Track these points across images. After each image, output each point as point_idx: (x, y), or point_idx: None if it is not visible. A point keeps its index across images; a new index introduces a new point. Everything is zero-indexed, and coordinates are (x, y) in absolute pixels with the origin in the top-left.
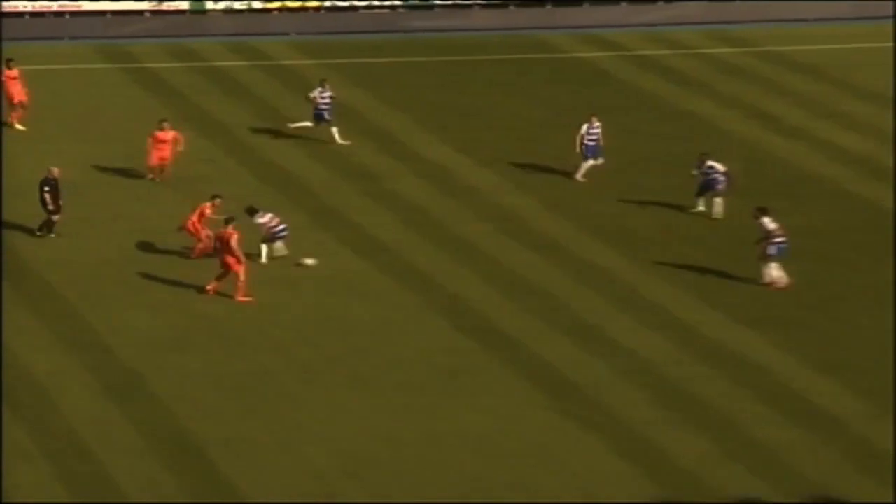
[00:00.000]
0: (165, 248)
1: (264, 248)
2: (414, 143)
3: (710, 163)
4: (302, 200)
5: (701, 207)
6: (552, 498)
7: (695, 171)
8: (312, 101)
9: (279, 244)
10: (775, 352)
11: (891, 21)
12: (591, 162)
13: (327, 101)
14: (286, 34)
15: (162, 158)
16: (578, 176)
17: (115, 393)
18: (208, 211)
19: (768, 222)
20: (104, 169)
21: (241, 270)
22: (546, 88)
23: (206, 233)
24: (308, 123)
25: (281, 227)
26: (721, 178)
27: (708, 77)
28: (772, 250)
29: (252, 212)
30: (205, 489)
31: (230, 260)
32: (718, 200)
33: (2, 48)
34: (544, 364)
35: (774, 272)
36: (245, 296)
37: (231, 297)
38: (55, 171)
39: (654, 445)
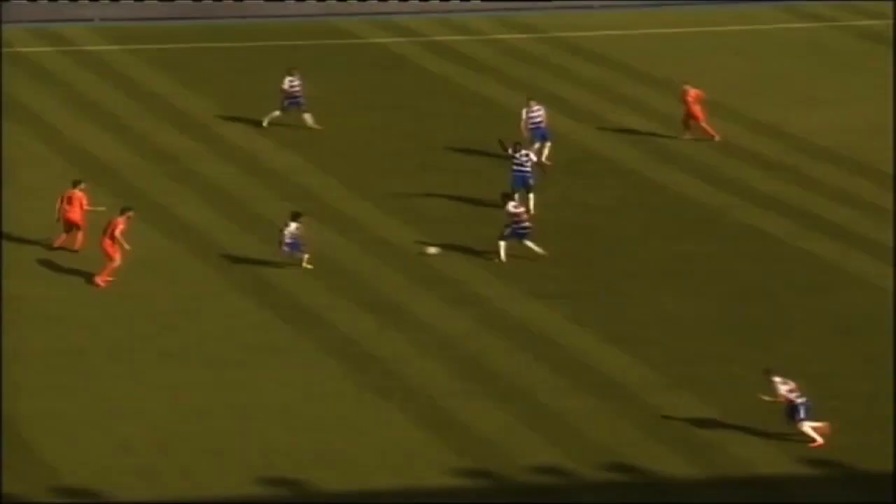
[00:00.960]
0: None
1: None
2: (215, 126)
3: (524, 151)
4: (109, 183)
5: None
6: (355, 467)
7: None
8: (284, 91)
9: None
10: (569, 325)
11: (669, 7)
12: (542, 144)
13: (297, 88)
14: (90, 20)
15: None
16: (543, 159)
17: None
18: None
19: (512, 207)
20: None
21: (117, 258)
22: (343, 73)
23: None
24: (277, 113)
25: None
26: (529, 171)
27: (499, 62)
28: (509, 232)
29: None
30: (17, 462)
31: (108, 245)
32: (531, 196)
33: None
34: (347, 339)
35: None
36: (105, 281)
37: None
38: None
39: (454, 416)
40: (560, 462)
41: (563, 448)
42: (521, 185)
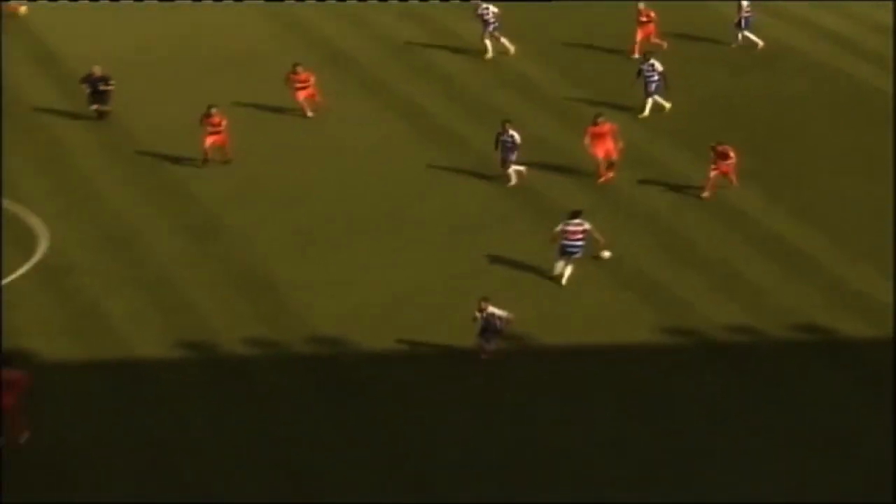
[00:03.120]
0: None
1: None
2: None
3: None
4: None
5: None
6: (568, 326)
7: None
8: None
9: None
10: (760, 202)
11: None
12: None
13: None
14: None
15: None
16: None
17: (196, 234)
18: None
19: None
20: None
21: None
22: None
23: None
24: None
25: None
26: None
27: None
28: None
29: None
30: (278, 315)
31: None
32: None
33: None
34: (564, 211)
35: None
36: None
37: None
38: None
39: (656, 280)
40: (750, 322)
41: (753, 310)
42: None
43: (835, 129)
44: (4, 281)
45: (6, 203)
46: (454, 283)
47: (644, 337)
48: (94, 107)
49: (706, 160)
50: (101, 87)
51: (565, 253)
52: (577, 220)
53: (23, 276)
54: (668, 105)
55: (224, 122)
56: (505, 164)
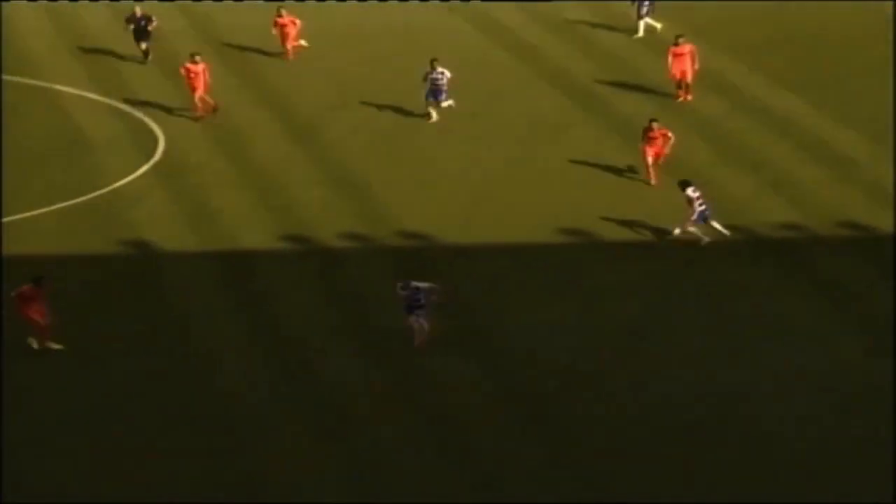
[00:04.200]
0: None
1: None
2: None
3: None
4: None
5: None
6: (629, 219)
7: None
8: None
9: None
10: (808, 109)
11: None
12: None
13: None
14: None
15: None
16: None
17: (296, 138)
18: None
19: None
20: None
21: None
22: None
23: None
24: None
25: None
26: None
27: None
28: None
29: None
30: (366, 210)
31: None
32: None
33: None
34: (627, 121)
35: None
36: None
37: None
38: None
39: (710, 179)
40: (798, 220)
41: (801, 209)
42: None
43: (876, 42)
44: (127, 179)
45: (129, 108)
46: (531, 183)
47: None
48: (142, 45)
49: (755, 70)
50: (145, 26)
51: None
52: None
53: (143, 175)
54: (659, 26)
55: (296, 21)
56: (433, 101)
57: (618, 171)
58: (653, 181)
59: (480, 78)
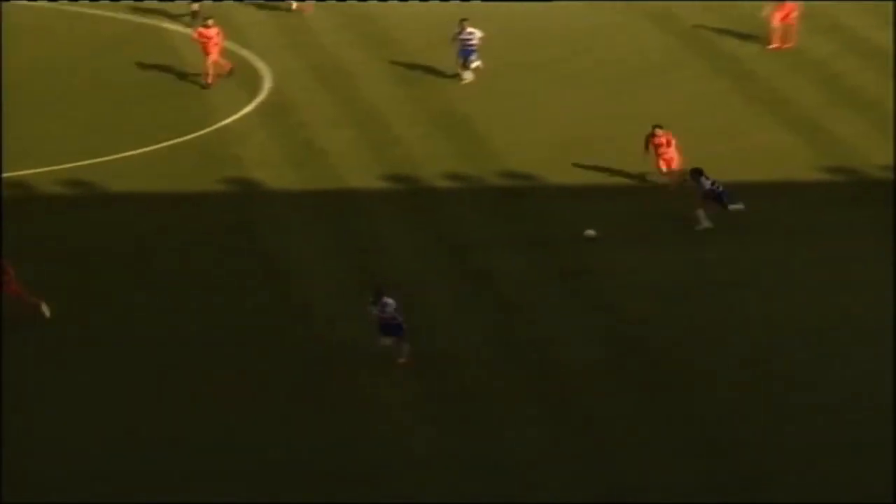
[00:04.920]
0: None
1: None
2: None
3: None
4: None
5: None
6: (731, 166)
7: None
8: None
9: None
10: None
11: None
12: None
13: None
14: None
15: None
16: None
17: (400, 79)
18: None
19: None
20: None
21: None
22: None
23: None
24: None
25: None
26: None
27: None
28: None
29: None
30: (469, 148)
31: None
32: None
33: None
34: (733, 58)
35: None
36: None
37: None
38: None
39: (818, 123)
40: None
41: None
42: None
43: None
44: (233, 117)
45: (236, 47)
46: (627, 125)
47: (803, 175)
48: (194, 6)
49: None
50: None
51: None
52: None
53: (248, 114)
54: None
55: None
56: (464, 63)
57: (713, 110)
58: (672, 187)
59: (580, 19)
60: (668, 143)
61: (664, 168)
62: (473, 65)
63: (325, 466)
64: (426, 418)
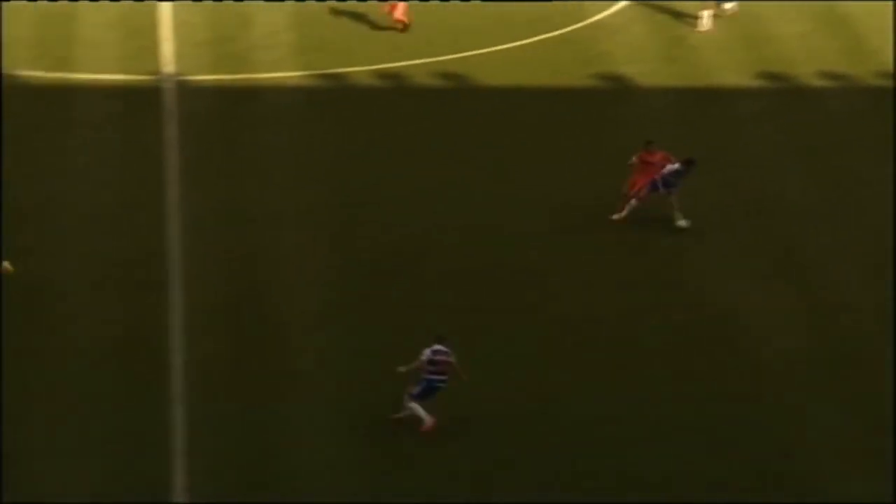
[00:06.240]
0: None
1: None
2: None
3: None
4: None
5: None
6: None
7: None
8: None
9: None
10: None
11: None
12: None
13: None
14: None
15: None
16: None
17: None
18: None
19: None
20: None
21: None
22: None
23: None
24: None
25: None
26: None
27: None
28: None
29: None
30: (851, 47)
31: None
32: None
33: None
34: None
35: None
36: None
37: None
38: None
39: None
40: None
41: None
42: None
43: None
44: (608, 12)
45: None
46: None
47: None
48: None
49: None
50: None
51: None
52: None
53: (624, 8)
54: None
55: None
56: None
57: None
58: (618, 216)
59: None
60: (665, 162)
61: (634, 189)
62: (729, 4)
63: None
64: None
